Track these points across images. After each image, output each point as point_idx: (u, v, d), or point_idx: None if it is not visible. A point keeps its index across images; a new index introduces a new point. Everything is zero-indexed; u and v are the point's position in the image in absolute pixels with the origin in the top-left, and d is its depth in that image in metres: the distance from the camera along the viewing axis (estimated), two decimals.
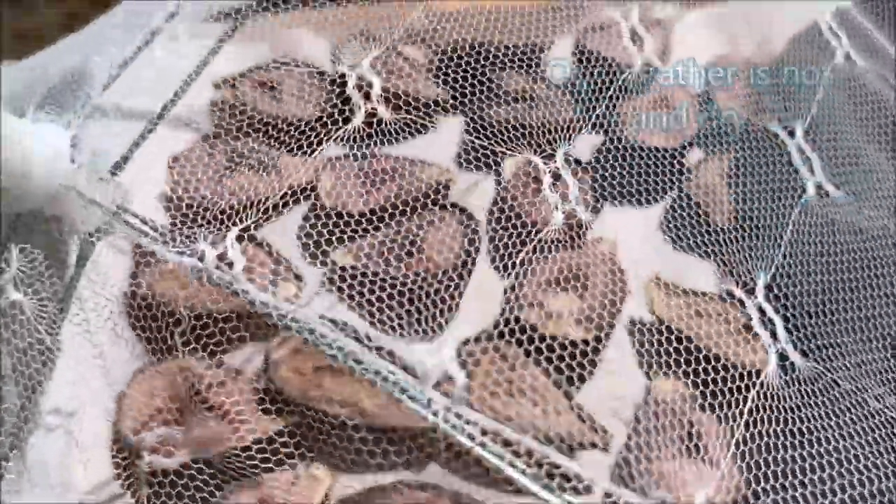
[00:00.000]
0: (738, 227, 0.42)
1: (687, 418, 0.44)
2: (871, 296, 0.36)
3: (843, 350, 0.34)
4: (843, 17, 0.42)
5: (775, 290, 0.35)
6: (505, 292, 0.48)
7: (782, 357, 0.35)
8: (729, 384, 0.42)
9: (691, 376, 0.43)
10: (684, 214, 0.51)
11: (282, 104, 0.55)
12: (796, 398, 0.33)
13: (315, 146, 0.54)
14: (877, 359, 0.34)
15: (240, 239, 0.35)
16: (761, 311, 0.35)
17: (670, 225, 0.51)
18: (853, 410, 0.33)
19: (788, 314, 0.35)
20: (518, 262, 0.48)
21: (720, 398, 0.42)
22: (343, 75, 0.46)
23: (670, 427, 0.42)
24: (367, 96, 0.46)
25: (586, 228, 0.47)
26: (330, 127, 0.53)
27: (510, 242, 0.50)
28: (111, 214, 0.31)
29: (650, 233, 0.52)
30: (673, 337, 0.45)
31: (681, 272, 0.50)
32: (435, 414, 0.31)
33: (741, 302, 0.36)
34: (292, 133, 0.53)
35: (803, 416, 0.33)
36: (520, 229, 0.50)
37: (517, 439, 0.33)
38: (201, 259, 0.32)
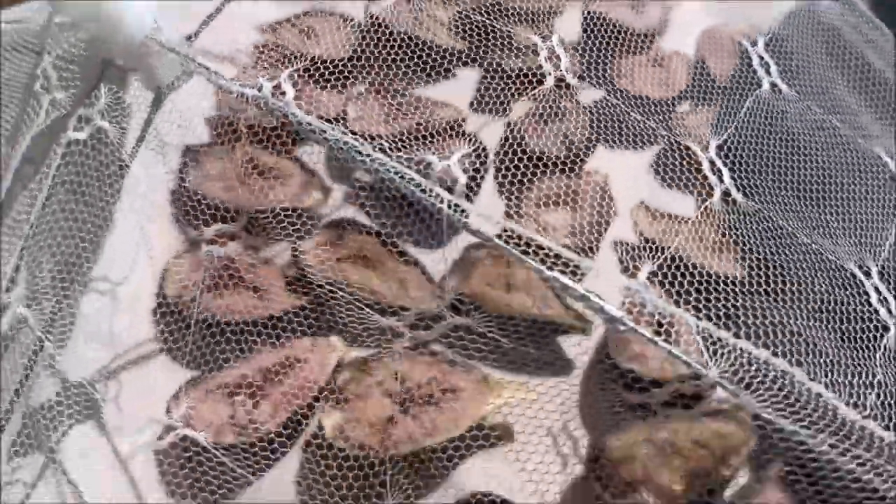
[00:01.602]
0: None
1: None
2: (807, 166, 0.42)
3: (779, 200, 0.41)
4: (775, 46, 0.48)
5: (724, 150, 0.41)
6: (506, 208, 0.54)
7: (726, 194, 0.41)
8: (704, 286, 0.47)
9: (668, 279, 0.49)
10: (673, 157, 0.57)
11: (317, 45, 0.62)
12: (738, 226, 0.39)
13: (345, 82, 0.60)
14: (807, 212, 0.40)
15: (291, 77, 0.42)
16: (711, 163, 0.42)
17: (660, 165, 0.57)
18: (784, 240, 0.39)
19: (735, 168, 0.41)
20: (518, 182, 0.54)
21: (694, 295, 0.48)
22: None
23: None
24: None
25: (574, 90, 0.53)
26: (358, 65, 0.59)
27: (513, 168, 0.56)
28: (188, 60, 0.37)
29: (640, 171, 0.58)
30: (654, 247, 0.51)
31: (665, 204, 0.56)
32: (440, 201, 0.37)
33: (695, 154, 0.42)
34: (326, 70, 0.59)
35: (744, 240, 0.39)
36: (524, 161, 0.56)
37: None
38: (259, 90, 0.38)
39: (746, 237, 0.40)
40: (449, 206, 0.38)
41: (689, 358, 0.35)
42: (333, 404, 0.47)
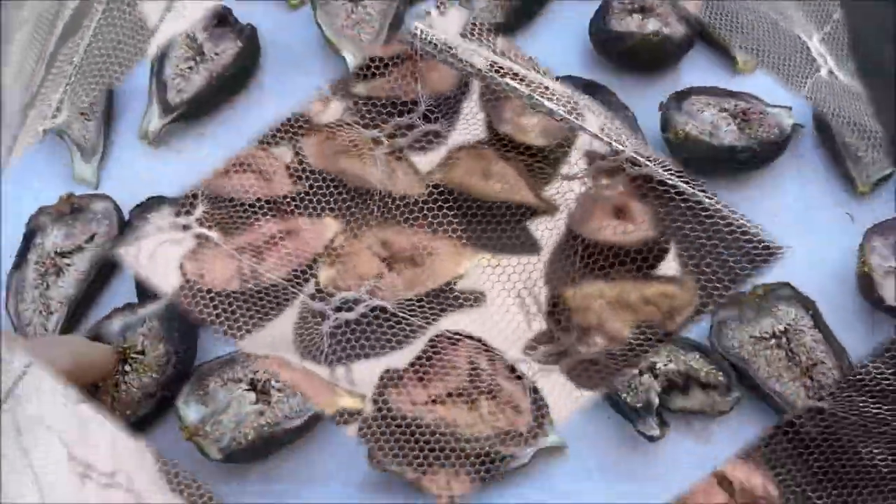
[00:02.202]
0: None
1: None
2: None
3: None
4: None
5: None
6: (487, 116, 0.61)
7: None
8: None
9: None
10: None
11: None
12: None
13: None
14: None
15: None
16: None
17: None
18: None
19: None
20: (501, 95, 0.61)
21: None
22: None
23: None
24: None
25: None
26: None
27: (496, 88, 0.62)
28: None
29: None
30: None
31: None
32: (415, 29, 0.44)
33: None
34: None
35: None
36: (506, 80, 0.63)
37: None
38: None
39: None
40: (423, 35, 0.45)
41: (610, 139, 0.41)
42: (328, 263, 0.54)
